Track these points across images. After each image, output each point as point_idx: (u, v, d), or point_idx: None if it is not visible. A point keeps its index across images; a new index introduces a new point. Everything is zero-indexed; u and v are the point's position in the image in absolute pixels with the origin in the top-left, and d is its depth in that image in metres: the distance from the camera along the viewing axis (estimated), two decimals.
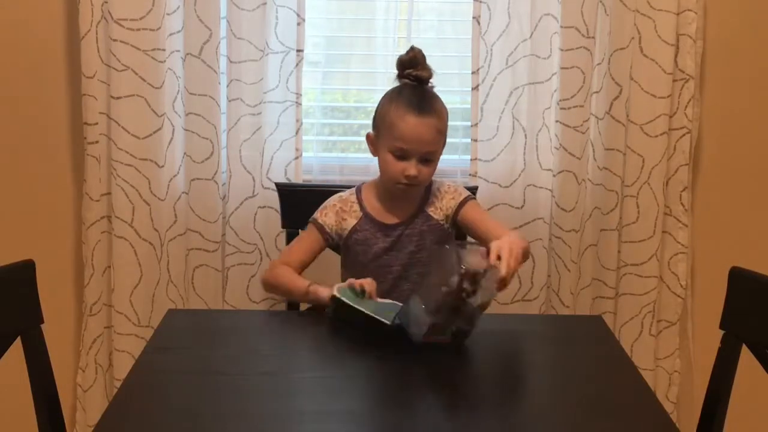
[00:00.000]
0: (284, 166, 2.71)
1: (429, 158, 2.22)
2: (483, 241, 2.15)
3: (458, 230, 2.33)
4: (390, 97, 2.25)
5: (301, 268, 2.28)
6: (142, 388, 1.79)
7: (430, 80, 2.26)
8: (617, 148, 2.69)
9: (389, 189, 2.27)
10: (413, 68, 2.24)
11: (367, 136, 2.30)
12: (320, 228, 2.30)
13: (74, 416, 2.81)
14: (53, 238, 2.80)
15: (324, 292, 2.12)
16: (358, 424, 1.70)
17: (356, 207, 2.31)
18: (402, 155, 2.20)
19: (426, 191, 2.32)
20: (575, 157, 2.68)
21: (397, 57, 2.26)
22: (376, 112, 2.28)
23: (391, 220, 2.29)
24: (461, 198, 2.31)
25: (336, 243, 2.32)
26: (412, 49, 2.25)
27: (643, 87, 2.66)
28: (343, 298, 2.01)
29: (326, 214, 2.31)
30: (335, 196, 2.35)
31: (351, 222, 2.29)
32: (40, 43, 2.71)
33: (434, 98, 2.25)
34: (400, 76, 2.26)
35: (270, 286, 2.32)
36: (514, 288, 2.76)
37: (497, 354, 2.01)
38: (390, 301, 2.09)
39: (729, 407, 1.94)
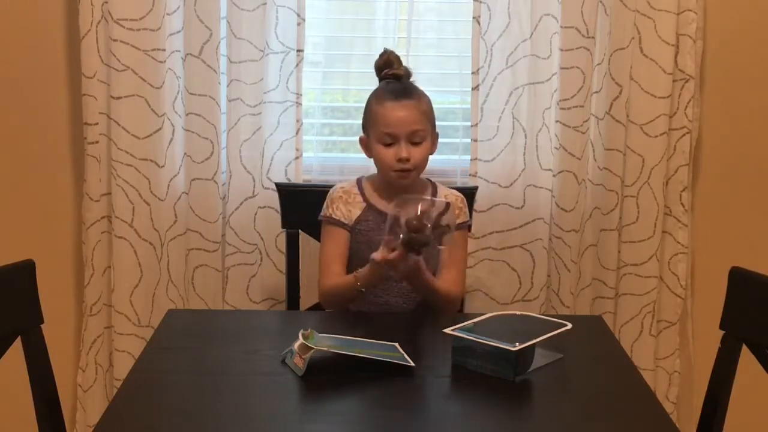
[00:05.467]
0: (284, 166, 2.71)
1: (417, 140, 2.29)
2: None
3: None
4: (371, 96, 2.36)
5: (345, 270, 2.31)
6: (142, 388, 1.79)
7: (410, 78, 2.35)
8: (617, 148, 2.69)
9: (390, 182, 2.32)
10: (389, 68, 2.35)
11: (360, 140, 2.38)
12: (337, 222, 2.33)
13: (74, 416, 2.81)
14: (53, 238, 2.80)
15: (370, 275, 2.19)
16: (357, 424, 1.70)
17: (359, 198, 2.35)
18: (390, 141, 2.28)
19: (433, 195, 2.37)
20: (575, 157, 2.67)
21: (374, 62, 2.37)
22: (363, 115, 2.37)
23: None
24: (461, 220, 2.38)
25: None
26: (385, 51, 2.37)
27: (643, 87, 2.66)
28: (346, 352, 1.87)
29: (337, 207, 2.34)
30: (337, 188, 2.39)
31: (356, 212, 2.34)
32: (40, 43, 2.71)
33: (412, 86, 2.34)
34: (379, 79, 2.36)
35: (331, 303, 2.34)
36: (514, 288, 2.76)
37: None
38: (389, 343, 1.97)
39: (729, 407, 1.94)
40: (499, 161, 2.72)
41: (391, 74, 2.33)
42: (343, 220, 2.33)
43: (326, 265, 2.33)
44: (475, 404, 1.77)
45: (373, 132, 2.31)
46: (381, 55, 2.36)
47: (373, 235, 2.30)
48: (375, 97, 2.34)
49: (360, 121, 2.85)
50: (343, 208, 2.33)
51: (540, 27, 2.65)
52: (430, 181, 2.41)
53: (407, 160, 2.26)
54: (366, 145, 2.36)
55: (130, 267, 2.68)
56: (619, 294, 2.78)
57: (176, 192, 2.70)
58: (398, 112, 2.27)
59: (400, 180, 2.30)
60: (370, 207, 2.34)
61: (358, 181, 2.39)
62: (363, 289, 2.23)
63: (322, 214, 2.36)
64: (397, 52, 2.37)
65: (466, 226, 2.41)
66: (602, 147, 2.72)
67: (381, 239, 2.27)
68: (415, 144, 2.28)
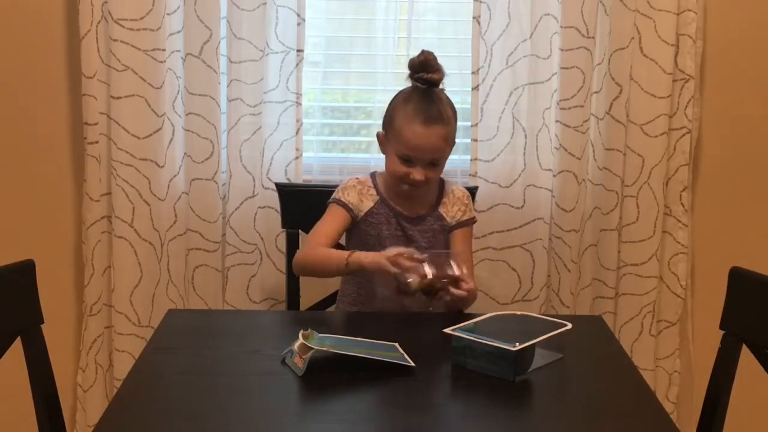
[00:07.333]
0: (284, 166, 2.71)
1: (435, 163, 2.27)
2: None
3: None
4: (399, 102, 2.29)
5: (332, 246, 2.30)
6: (142, 388, 1.79)
7: (441, 82, 2.29)
8: (617, 148, 2.69)
9: (393, 188, 2.32)
10: (425, 71, 2.26)
11: (378, 135, 2.35)
12: (345, 206, 2.33)
13: (74, 416, 2.81)
14: (53, 238, 2.80)
15: (367, 259, 2.14)
16: (357, 424, 1.70)
17: (373, 191, 2.35)
18: (408, 160, 2.25)
19: (440, 191, 2.37)
20: (575, 157, 2.68)
21: (409, 59, 2.29)
22: (386, 112, 2.32)
23: (406, 211, 2.34)
24: (468, 217, 2.39)
25: (354, 222, 2.34)
26: (423, 52, 2.28)
27: (643, 87, 2.66)
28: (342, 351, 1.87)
29: (348, 193, 2.34)
30: (352, 178, 2.38)
31: (368, 204, 2.33)
32: (40, 43, 2.71)
33: (443, 103, 2.27)
34: (411, 78, 2.28)
35: (305, 265, 2.31)
36: (514, 288, 2.76)
37: None
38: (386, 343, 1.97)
39: (729, 407, 1.94)
40: (499, 161, 2.72)
41: (426, 78, 2.25)
42: (350, 205, 2.32)
43: (316, 233, 2.31)
44: (475, 404, 1.77)
45: (393, 143, 2.27)
46: (419, 55, 2.27)
47: (383, 229, 2.31)
48: (403, 110, 2.26)
49: (360, 121, 2.86)
50: (356, 196, 2.33)
51: (540, 27, 2.65)
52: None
53: (421, 181, 2.26)
54: (383, 143, 2.33)
55: (130, 267, 2.68)
56: (619, 294, 2.78)
57: (176, 192, 2.70)
58: (424, 140, 2.22)
59: (409, 192, 2.30)
60: (382, 201, 2.34)
61: (372, 176, 2.38)
62: (348, 270, 2.19)
63: (331, 197, 2.35)
64: (404, 52, 2.32)
65: (472, 223, 2.41)
66: (602, 147, 2.72)
67: (389, 234, 2.29)
68: (432, 166, 2.26)
